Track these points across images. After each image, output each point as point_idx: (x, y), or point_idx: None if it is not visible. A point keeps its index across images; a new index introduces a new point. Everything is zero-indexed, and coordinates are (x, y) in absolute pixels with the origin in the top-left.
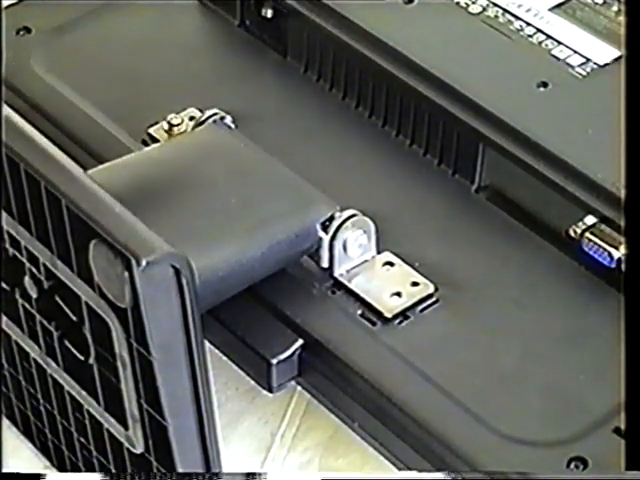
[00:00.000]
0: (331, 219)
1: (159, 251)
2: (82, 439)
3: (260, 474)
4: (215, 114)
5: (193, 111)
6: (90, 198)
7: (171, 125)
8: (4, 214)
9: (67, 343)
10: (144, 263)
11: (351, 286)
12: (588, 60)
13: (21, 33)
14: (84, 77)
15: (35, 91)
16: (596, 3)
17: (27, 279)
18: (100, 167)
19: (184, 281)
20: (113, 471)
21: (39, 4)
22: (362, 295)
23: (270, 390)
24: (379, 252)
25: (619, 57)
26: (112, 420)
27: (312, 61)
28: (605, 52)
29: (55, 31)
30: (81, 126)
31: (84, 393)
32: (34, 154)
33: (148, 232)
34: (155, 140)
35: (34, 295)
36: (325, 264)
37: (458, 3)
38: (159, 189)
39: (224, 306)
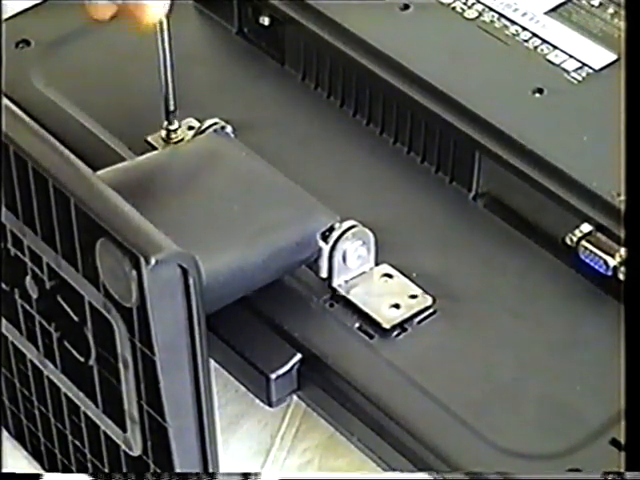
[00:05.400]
0: (331, 229)
1: (168, 250)
2: (77, 442)
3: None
4: (215, 124)
5: (192, 121)
6: (99, 197)
7: (169, 131)
8: (9, 214)
9: (67, 344)
10: (153, 262)
11: (349, 297)
12: (584, 65)
13: (20, 46)
14: (83, 89)
15: (34, 104)
16: (592, 5)
17: (28, 279)
18: (100, 172)
19: (191, 281)
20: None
21: (38, 17)
22: (360, 306)
23: (270, 404)
24: (377, 263)
25: (615, 61)
26: (109, 422)
27: (309, 69)
28: (601, 56)
29: (54, 43)
30: (80, 138)
31: (82, 395)
32: (43, 152)
33: (156, 232)
34: (153, 148)
35: (34, 295)
36: (324, 274)
37: (454, 9)
38: (161, 194)
39: (223, 321)
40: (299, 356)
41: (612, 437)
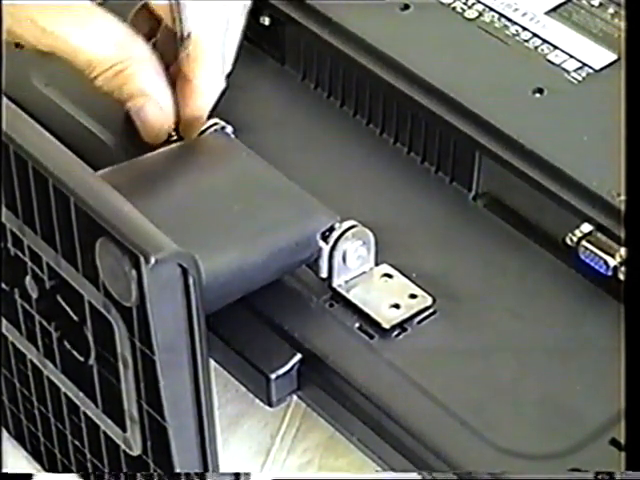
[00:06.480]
0: (331, 229)
1: (168, 250)
2: (76, 442)
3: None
4: (215, 124)
5: None
6: (99, 196)
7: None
8: (9, 213)
9: (67, 344)
10: (153, 261)
11: (349, 297)
12: (584, 65)
13: (20, 46)
14: (83, 89)
15: (34, 104)
16: (592, 5)
17: (28, 279)
18: (100, 172)
19: (191, 281)
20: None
21: None
22: (360, 306)
23: (270, 404)
24: (377, 263)
25: (615, 61)
26: (109, 422)
27: (309, 69)
28: (601, 56)
29: None
30: (80, 138)
31: (81, 395)
32: (43, 152)
33: (156, 231)
34: (153, 148)
35: (34, 295)
36: (324, 274)
37: (454, 9)
38: (161, 194)
39: (222, 321)
40: (299, 356)
41: (612, 437)
